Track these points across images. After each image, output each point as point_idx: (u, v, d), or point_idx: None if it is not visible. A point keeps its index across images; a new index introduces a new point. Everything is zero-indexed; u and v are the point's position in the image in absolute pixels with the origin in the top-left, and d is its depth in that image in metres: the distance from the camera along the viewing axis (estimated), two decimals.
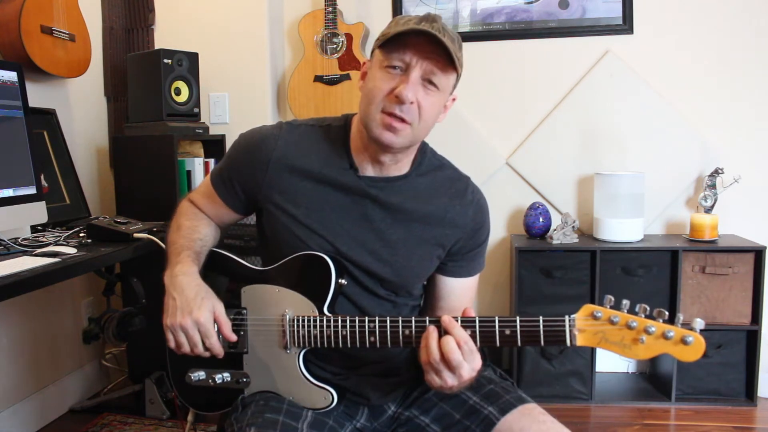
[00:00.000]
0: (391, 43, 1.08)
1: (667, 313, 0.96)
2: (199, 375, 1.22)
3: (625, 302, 0.97)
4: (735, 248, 2.42)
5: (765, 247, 2.38)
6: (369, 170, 1.20)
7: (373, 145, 1.15)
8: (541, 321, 1.01)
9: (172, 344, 1.13)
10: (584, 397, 2.53)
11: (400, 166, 1.20)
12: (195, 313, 1.10)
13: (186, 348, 1.12)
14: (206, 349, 1.12)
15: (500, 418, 1.12)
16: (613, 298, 0.98)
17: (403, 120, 1.10)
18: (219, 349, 1.13)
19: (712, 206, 2.50)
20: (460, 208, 1.23)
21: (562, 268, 2.49)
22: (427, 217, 1.21)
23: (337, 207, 1.19)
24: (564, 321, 1.00)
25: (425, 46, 1.07)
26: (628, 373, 2.78)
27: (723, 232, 2.57)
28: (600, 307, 0.98)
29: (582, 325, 0.99)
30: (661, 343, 0.95)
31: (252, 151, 1.23)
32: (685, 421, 2.37)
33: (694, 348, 0.94)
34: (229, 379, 1.21)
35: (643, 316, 0.96)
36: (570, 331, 0.99)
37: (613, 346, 0.97)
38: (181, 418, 2.30)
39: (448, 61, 1.08)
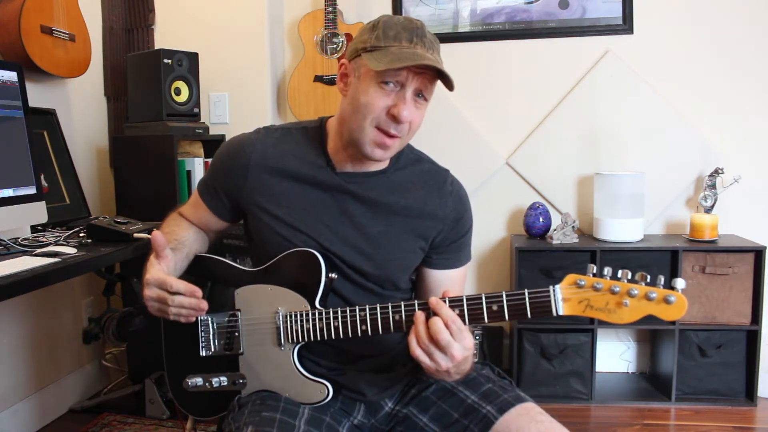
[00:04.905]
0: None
1: (648, 276, 0.97)
2: (197, 381, 1.23)
3: (607, 269, 1.00)
4: (735, 248, 2.42)
5: (765, 247, 2.38)
6: (347, 167, 1.22)
7: (357, 153, 1.17)
8: (526, 293, 1.03)
9: (171, 317, 1.14)
10: (584, 397, 2.53)
11: (378, 163, 1.22)
12: (145, 280, 1.14)
13: (169, 309, 1.13)
14: (179, 293, 1.12)
15: (498, 418, 1.13)
16: (595, 266, 0.99)
17: (396, 136, 1.13)
18: (184, 283, 1.12)
19: (712, 206, 2.50)
20: (439, 200, 1.25)
21: (562, 268, 2.49)
22: (407, 209, 1.23)
23: (317, 204, 1.22)
24: (549, 292, 1.01)
25: (425, 66, 1.09)
26: (628, 373, 2.78)
27: (723, 232, 2.57)
28: (583, 276, 1.00)
29: (567, 294, 1.01)
30: (644, 305, 0.97)
31: (232, 158, 1.26)
32: (685, 421, 2.37)
33: (677, 307, 0.96)
34: (226, 382, 1.22)
35: (625, 281, 0.98)
36: (555, 301, 1.01)
37: (599, 312, 0.99)
38: (180, 419, 2.30)
39: (437, 74, 1.11)
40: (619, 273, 0.99)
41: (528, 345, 2.54)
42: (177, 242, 1.28)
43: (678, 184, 2.65)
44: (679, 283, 0.96)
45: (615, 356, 2.77)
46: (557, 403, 2.51)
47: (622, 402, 2.53)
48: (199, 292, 1.13)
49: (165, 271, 1.16)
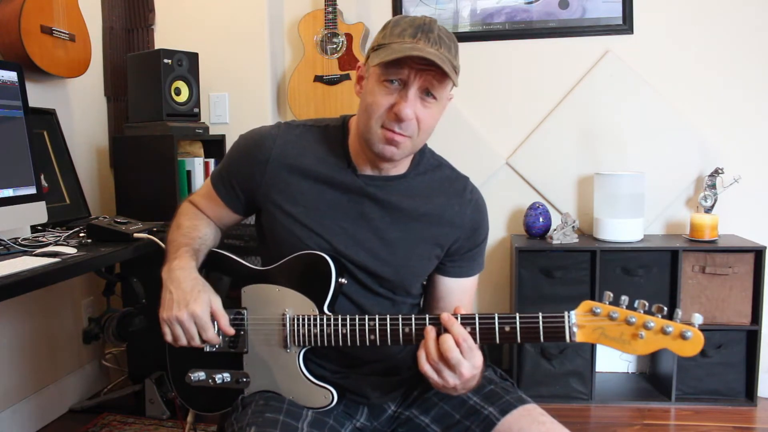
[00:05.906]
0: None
1: (665, 308, 0.96)
2: (199, 375, 1.22)
3: (624, 298, 0.98)
4: (735, 248, 2.42)
5: (765, 247, 2.38)
6: (367, 170, 1.20)
7: (372, 154, 1.15)
8: (540, 317, 1.01)
9: (168, 337, 1.13)
10: (584, 397, 2.53)
11: (398, 167, 1.21)
12: (191, 305, 1.10)
13: (183, 341, 1.12)
14: (203, 341, 1.12)
15: (500, 419, 1.13)
16: (612, 294, 0.98)
17: (403, 134, 1.11)
18: (217, 341, 1.13)
19: (712, 206, 2.50)
20: (458, 207, 1.23)
21: (562, 268, 2.49)
22: (426, 216, 1.21)
23: (335, 205, 1.19)
24: (563, 317, 1.00)
25: (423, 59, 1.06)
26: (628, 373, 2.78)
27: (723, 232, 2.57)
28: (599, 303, 0.99)
29: (581, 321, 1.00)
30: (660, 339, 0.96)
31: (251, 151, 1.23)
32: (685, 421, 2.37)
33: (693, 343, 0.95)
34: (229, 379, 1.21)
35: (641, 311, 0.97)
36: (569, 327, 1.00)
37: (613, 341, 0.98)
38: (180, 419, 2.30)
39: (445, 73, 1.08)
40: (636, 303, 0.97)
41: (528, 345, 2.54)
42: (201, 240, 1.26)
43: (678, 184, 2.65)
44: (696, 318, 0.94)
45: (615, 356, 2.77)
46: (557, 403, 2.51)
47: (622, 402, 2.53)
48: (231, 332, 1.15)
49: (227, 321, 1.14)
